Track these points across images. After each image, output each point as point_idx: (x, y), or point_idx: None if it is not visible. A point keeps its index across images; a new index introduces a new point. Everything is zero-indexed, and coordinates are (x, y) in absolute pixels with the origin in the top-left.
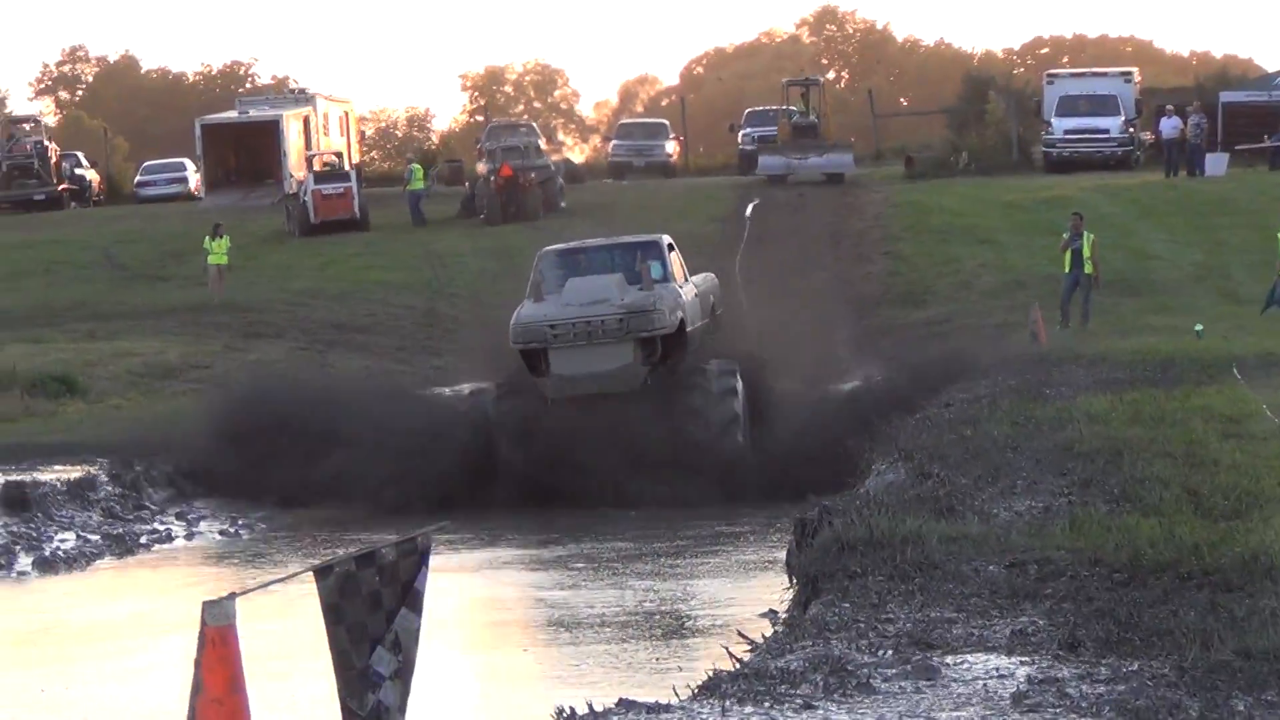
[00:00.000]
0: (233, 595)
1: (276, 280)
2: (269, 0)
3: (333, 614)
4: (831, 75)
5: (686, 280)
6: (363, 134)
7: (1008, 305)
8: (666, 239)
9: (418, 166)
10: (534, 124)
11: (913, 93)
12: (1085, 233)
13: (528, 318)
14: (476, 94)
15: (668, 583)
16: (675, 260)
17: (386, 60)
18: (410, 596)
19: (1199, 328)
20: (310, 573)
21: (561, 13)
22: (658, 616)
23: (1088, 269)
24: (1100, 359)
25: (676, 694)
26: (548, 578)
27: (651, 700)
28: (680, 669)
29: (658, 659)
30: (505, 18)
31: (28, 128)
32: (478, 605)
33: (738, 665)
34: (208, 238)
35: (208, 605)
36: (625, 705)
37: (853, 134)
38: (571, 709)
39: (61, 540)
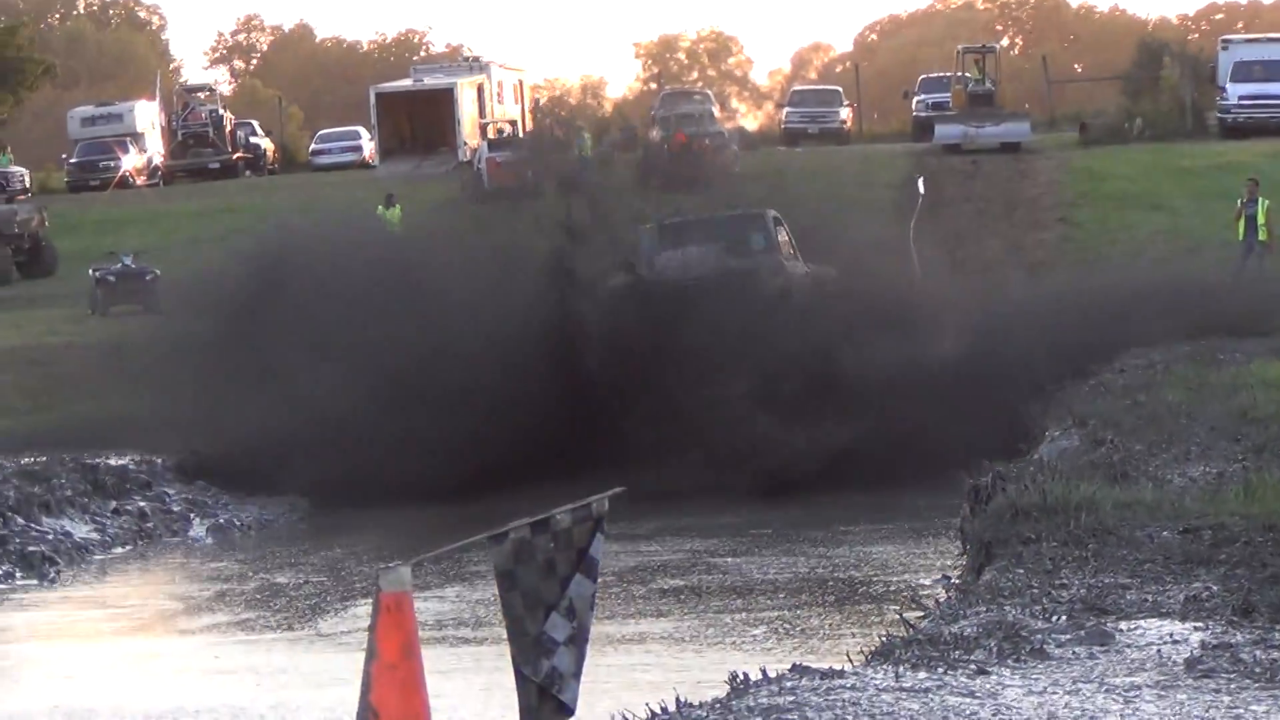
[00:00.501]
0: (407, 561)
1: None
2: None
3: (507, 580)
4: (1005, 42)
5: (797, 257)
6: (536, 102)
7: (1178, 271)
8: (773, 213)
9: (586, 135)
10: (708, 91)
11: (1087, 59)
12: (1260, 199)
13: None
14: (650, 62)
15: (840, 549)
16: (783, 235)
17: (561, 29)
18: (585, 563)
19: None
20: (485, 539)
21: None
22: (830, 583)
23: (1262, 235)
24: (1276, 326)
25: (850, 660)
26: (720, 543)
27: (825, 666)
28: (853, 635)
29: (831, 625)
30: None
31: (203, 96)
32: (650, 570)
33: (911, 631)
34: (381, 207)
35: (382, 571)
36: (799, 671)
37: (1026, 100)
38: (745, 675)
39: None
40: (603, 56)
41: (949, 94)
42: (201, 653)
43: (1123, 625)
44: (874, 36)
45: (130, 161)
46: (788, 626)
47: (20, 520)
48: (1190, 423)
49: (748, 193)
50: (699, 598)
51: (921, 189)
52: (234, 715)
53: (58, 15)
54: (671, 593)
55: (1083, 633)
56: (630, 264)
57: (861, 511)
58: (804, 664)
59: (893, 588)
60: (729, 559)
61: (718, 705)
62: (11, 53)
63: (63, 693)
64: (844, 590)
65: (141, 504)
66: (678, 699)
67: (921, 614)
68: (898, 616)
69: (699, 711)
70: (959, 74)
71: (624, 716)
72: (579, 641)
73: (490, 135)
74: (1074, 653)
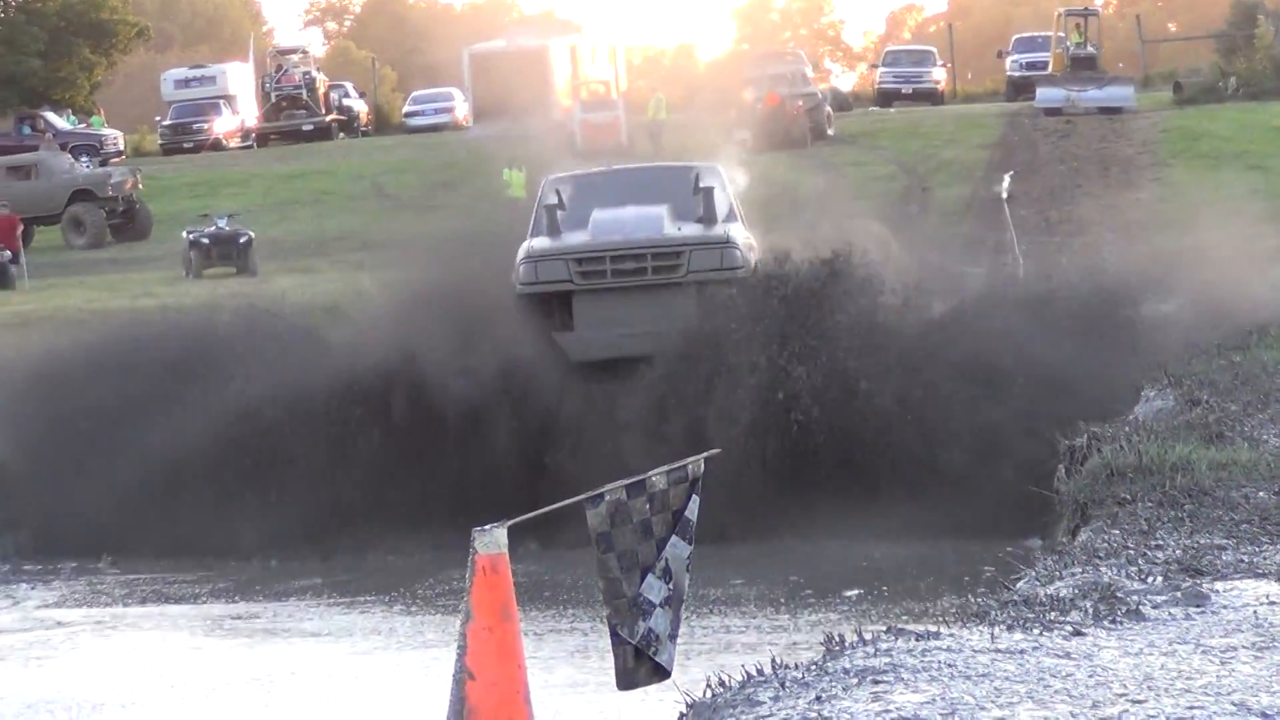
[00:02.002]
0: (503, 523)
1: None
2: None
3: (603, 542)
4: (1102, 1)
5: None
6: (630, 64)
7: (1270, 232)
8: (720, 168)
9: (661, 96)
10: (801, 52)
11: (1181, 18)
12: None
13: (540, 250)
14: (744, 23)
15: (933, 511)
16: (734, 198)
17: None
18: (681, 524)
19: None
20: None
21: None
22: (925, 546)
23: None
24: None
25: (946, 622)
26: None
27: (921, 628)
28: (949, 597)
29: (926, 586)
30: None
31: (296, 59)
32: (747, 529)
33: (1007, 593)
34: (506, 169)
35: (478, 533)
36: (894, 633)
37: (1120, 60)
38: (841, 637)
39: None
40: (697, 18)
41: (1044, 54)
42: None
43: (1219, 586)
44: None
45: (224, 124)
46: (883, 588)
47: None
48: None
49: (842, 154)
50: (792, 560)
51: (1005, 190)
52: None
53: None
54: (766, 554)
55: (1179, 594)
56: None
57: (955, 465)
58: (899, 626)
59: (987, 549)
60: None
61: (813, 667)
62: (105, 14)
63: None
64: (940, 554)
65: None
66: (773, 661)
67: (1018, 576)
68: (994, 578)
69: (795, 673)
70: (1060, 35)
71: (720, 679)
72: (675, 604)
73: (584, 96)
74: (1170, 614)
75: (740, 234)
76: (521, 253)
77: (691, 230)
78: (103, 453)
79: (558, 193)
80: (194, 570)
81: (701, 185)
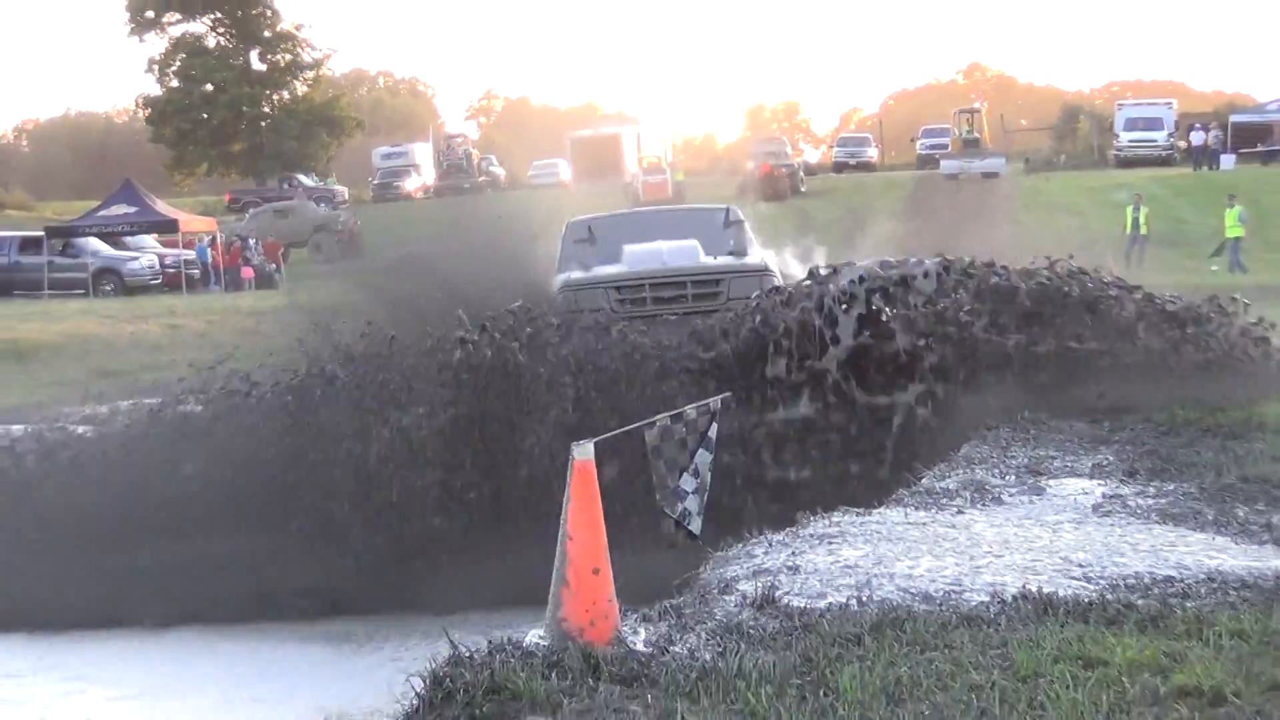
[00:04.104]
0: (591, 440)
1: None
2: (614, 56)
3: (655, 453)
4: (979, 106)
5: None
6: (673, 145)
7: (1090, 256)
8: (737, 210)
9: (679, 168)
10: (783, 137)
11: (1029, 115)
12: (1142, 206)
13: (578, 280)
14: (747, 119)
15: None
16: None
17: (691, 97)
18: (705, 441)
19: (1214, 268)
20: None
21: (802, 69)
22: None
23: (1143, 230)
24: (1151, 288)
25: (877, 505)
26: None
27: (860, 509)
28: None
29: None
30: (767, 70)
31: (459, 140)
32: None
33: (915, 486)
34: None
35: (576, 446)
36: (843, 511)
37: (993, 142)
38: (808, 514)
39: None
40: (717, 115)
41: (944, 138)
42: None
43: (1051, 482)
44: (892, 101)
45: (412, 183)
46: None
47: None
48: None
49: (809, 203)
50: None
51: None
52: None
53: (366, 89)
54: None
55: (1025, 487)
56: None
57: None
58: (845, 507)
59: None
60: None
61: (789, 533)
62: (336, 112)
63: None
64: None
65: None
66: (761, 529)
67: (921, 476)
68: (907, 477)
69: (777, 537)
70: (954, 126)
71: (730, 541)
72: (701, 492)
73: (644, 165)
74: (1020, 500)
75: (773, 262)
76: (558, 283)
77: (726, 260)
78: None
79: (589, 229)
80: None
81: (731, 220)
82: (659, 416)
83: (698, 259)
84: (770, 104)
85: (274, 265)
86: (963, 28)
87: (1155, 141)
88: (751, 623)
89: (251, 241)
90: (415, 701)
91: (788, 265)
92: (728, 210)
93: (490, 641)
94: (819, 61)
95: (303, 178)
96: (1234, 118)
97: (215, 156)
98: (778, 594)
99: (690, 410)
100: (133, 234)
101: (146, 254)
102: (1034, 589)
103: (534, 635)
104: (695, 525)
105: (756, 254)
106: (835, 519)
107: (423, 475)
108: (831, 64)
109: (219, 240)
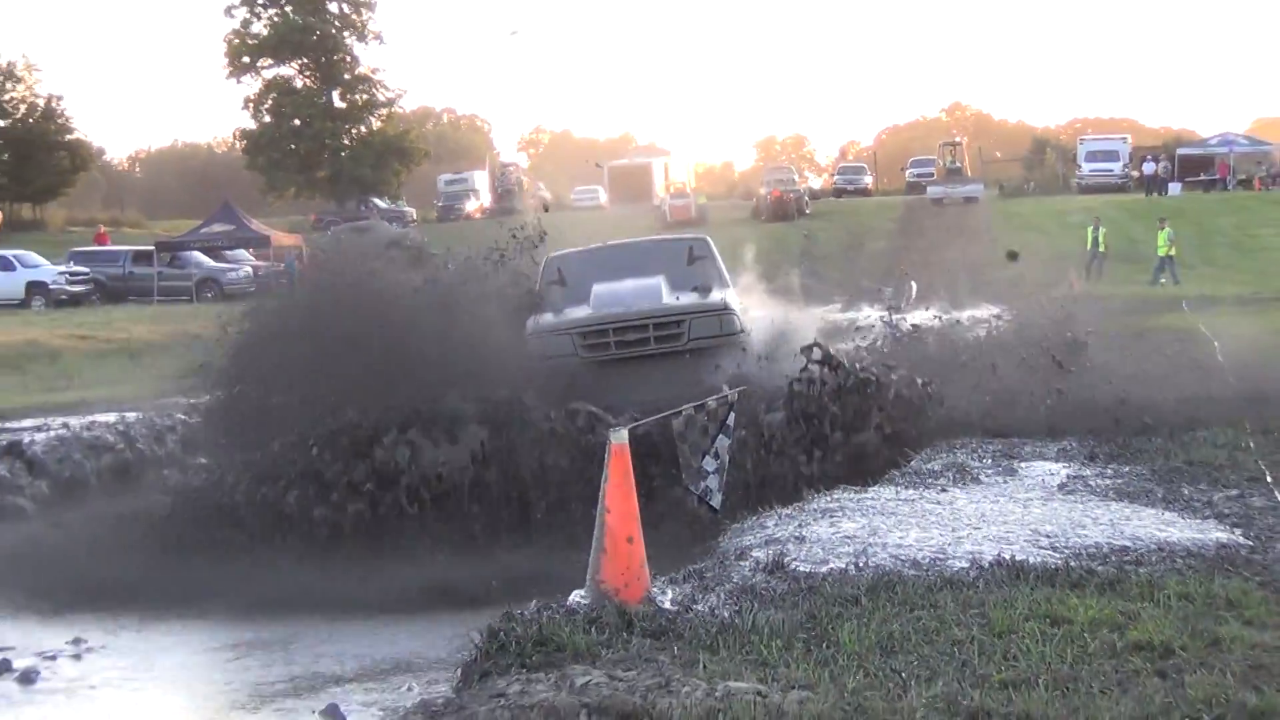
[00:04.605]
0: (625, 425)
1: None
2: (645, 96)
3: (680, 438)
4: (961, 139)
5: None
6: (696, 172)
7: (1054, 268)
8: (709, 240)
9: (701, 193)
10: (791, 166)
11: (1003, 148)
12: (1100, 227)
13: (546, 326)
14: (760, 149)
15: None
16: (722, 267)
17: (712, 129)
18: (724, 428)
19: (1164, 280)
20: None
21: (807, 107)
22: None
23: (1101, 248)
24: (1107, 297)
25: (870, 482)
26: None
27: (857, 487)
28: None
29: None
30: (777, 108)
31: (512, 168)
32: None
33: (904, 467)
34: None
35: (611, 430)
36: (842, 489)
37: (972, 171)
38: (811, 493)
39: None
40: (735, 146)
41: (930, 167)
42: None
43: (1022, 465)
44: (884, 135)
45: (471, 205)
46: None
47: None
48: None
49: (811, 223)
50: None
51: (913, 293)
52: None
53: (432, 123)
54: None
55: (1000, 469)
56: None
57: None
58: (844, 485)
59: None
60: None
61: (795, 507)
62: (407, 144)
63: None
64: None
65: None
66: (771, 504)
67: (908, 460)
68: (896, 460)
69: (786, 511)
70: (940, 158)
71: (749, 514)
72: (720, 472)
73: (670, 190)
74: (996, 480)
75: (734, 299)
76: (529, 328)
77: (689, 299)
78: None
79: (559, 270)
80: None
81: (695, 256)
82: (684, 407)
83: (660, 300)
84: (780, 137)
85: None
86: (946, 71)
87: (1112, 171)
88: (763, 585)
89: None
90: (474, 652)
91: (791, 282)
92: (691, 247)
93: (537, 601)
94: (821, 100)
95: (377, 200)
96: (1180, 151)
97: (302, 182)
98: (786, 560)
99: (711, 402)
100: (230, 248)
101: (243, 266)
102: (1007, 557)
103: (576, 595)
104: (716, 500)
105: (719, 291)
106: (836, 496)
107: None
108: (832, 102)
109: (305, 254)
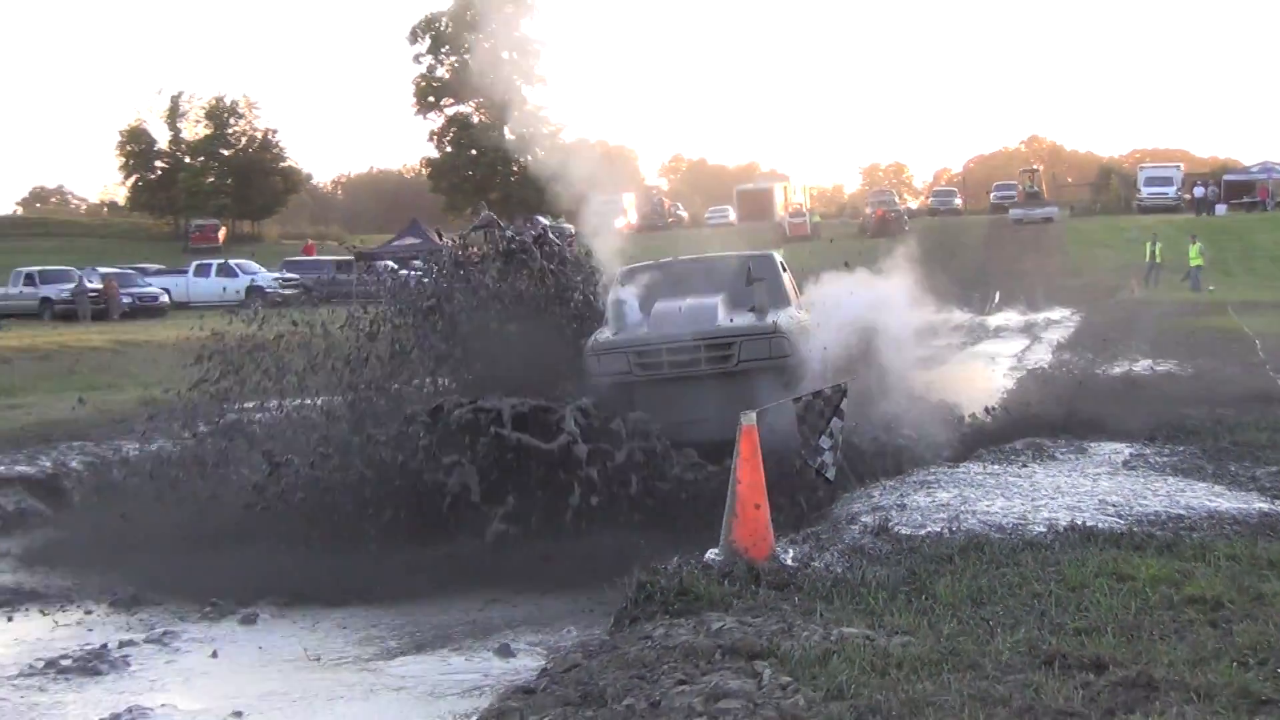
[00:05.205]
0: (754, 409)
1: None
2: (769, 127)
3: (800, 421)
4: (1038, 167)
5: (800, 308)
6: (812, 194)
7: (1122, 276)
8: (778, 255)
9: (816, 211)
10: (892, 190)
11: (1074, 175)
12: (1158, 242)
13: (604, 344)
14: (865, 175)
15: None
16: (789, 282)
17: (824, 157)
18: (838, 412)
19: (1211, 289)
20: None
21: (906, 138)
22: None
23: (1159, 259)
24: (1162, 303)
25: (955, 462)
26: None
27: (952, 464)
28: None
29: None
30: (881, 138)
31: (655, 191)
32: None
33: (991, 447)
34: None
35: (743, 414)
36: (936, 464)
37: (1050, 194)
38: (911, 468)
39: None
40: (844, 172)
41: (1012, 191)
42: None
43: (1092, 445)
44: (972, 163)
45: (620, 222)
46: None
47: None
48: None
49: (908, 239)
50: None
51: (996, 300)
52: None
53: (594, 149)
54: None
55: (1073, 448)
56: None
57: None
58: (940, 462)
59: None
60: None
61: (897, 479)
62: (567, 172)
63: None
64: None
65: None
66: (876, 477)
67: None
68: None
69: (889, 482)
70: (1020, 183)
71: (858, 485)
72: (835, 448)
73: (790, 210)
74: (1068, 457)
75: (789, 320)
76: (589, 346)
77: (743, 320)
78: None
79: (626, 284)
80: None
81: (755, 276)
82: (804, 394)
83: (715, 321)
84: (882, 164)
85: None
86: (1025, 107)
87: (1168, 194)
88: (871, 545)
89: None
90: (625, 602)
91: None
92: (750, 266)
93: (678, 558)
94: (918, 131)
95: (540, 218)
96: (1226, 177)
97: (477, 202)
98: (890, 525)
99: (827, 390)
100: (417, 258)
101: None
102: (1079, 523)
103: (711, 553)
104: (830, 473)
105: (775, 312)
106: (932, 470)
107: None
108: (927, 133)
109: None
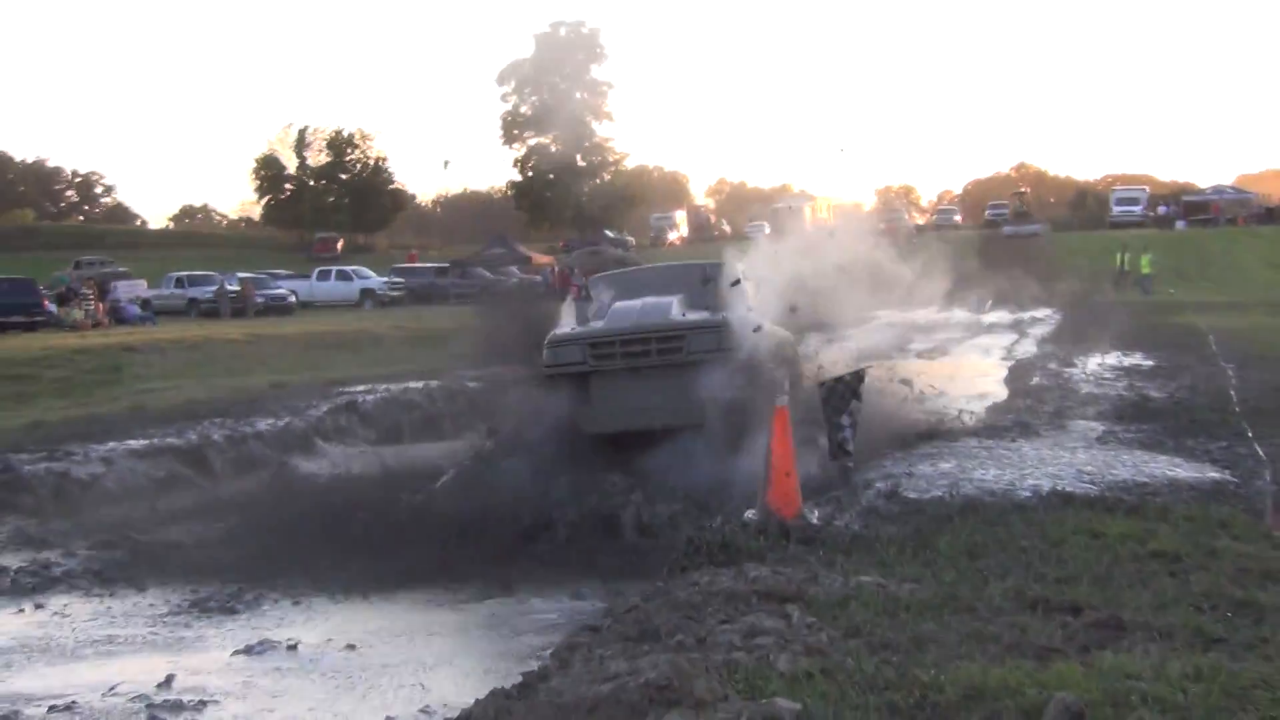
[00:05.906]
0: (785, 396)
1: None
2: (799, 153)
3: (824, 402)
4: (1026, 189)
5: (751, 309)
6: (832, 210)
7: (1096, 281)
8: (740, 263)
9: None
10: (901, 206)
11: (1056, 196)
12: (1126, 253)
13: (561, 336)
14: (879, 194)
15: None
16: (746, 285)
17: (844, 180)
18: (857, 394)
19: (1172, 291)
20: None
21: (913, 163)
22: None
23: (1127, 268)
24: (1131, 304)
25: (955, 438)
26: None
27: (949, 439)
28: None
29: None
30: (892, 162)
31: (702, 209)
32: None
33: (982, 427)
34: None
35: (778, 396)
36: (939, 439)
37: (1035, 211)
38: (916, 440)
39: None
40: (860, 192)
41: (1004, 209)
42: None
43: (1070, 422)
44: (970, 185)
45: (673, 235)
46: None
47: None
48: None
49: (911, 250)
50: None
51: (988, 307)
52: None
53: (645, 177)
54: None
55: (1054, 425)
56: None
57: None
58: (938, 439)
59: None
60: None
61: (903, 452)
62: (629, 194)
63: None
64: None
65: None
66: (890, 448)
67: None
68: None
69: (897, 454)
70: (1011, 203)
71: (879, 453)
72: (854, 428)
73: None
74: (1050, 433)
75: (738, 318)
76: (547, 339)
77: (696, 316)
78: None
79: (592, 288)
80: None
81: (706, 278)
82: (826, 378)
83: (667, 316)
84: (894, 185)
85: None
86: (1015, 137)
87: (1135, 212)
88: (883, 507)
89: (575, 270)
90: (677, 555)
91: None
92: (704, 268)
93: (721, 518)
94: (924, 158)
95: (607, 231)
96: (1185, 197)
97: (554, 218)
98: (899, 489)
99: (847, 375)
100: (504, 265)
101: (513, 278)
102: (1059, 488)
103: (749, 514)
104: (850, 448)
105: (725, 309)
106: (934, 444)
107: None
108: (932, 160)
109: (556, 269)
